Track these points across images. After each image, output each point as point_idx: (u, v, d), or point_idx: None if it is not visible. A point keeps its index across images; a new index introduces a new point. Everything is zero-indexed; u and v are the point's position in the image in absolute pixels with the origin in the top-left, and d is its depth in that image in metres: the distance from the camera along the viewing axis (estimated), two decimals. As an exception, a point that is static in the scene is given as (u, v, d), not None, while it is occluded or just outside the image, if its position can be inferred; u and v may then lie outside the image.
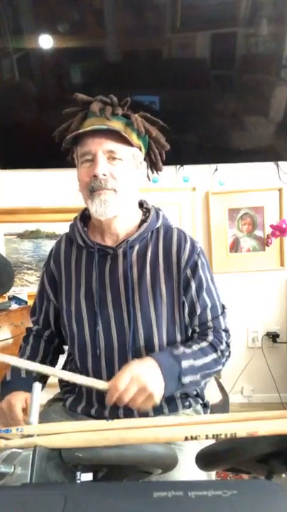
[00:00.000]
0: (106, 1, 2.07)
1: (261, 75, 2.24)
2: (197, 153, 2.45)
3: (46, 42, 2.17)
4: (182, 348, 1.01)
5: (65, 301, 1.13)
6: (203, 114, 2.32)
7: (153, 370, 0.93)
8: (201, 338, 1.07)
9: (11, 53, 2.20)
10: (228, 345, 1.09)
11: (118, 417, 1.01)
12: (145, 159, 1.14)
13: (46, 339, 1.20)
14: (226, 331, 1.11)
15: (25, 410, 0.98)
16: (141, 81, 2.22)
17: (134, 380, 0.88)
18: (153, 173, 1.18)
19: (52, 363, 1.22)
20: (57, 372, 0.94)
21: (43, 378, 1.16)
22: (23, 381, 1.07)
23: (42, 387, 1.15)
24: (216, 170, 2.50)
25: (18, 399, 0.99)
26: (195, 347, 1.03)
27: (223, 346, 1.06)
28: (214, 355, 1.04)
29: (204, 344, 1.05)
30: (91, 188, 1.03)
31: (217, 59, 2.21)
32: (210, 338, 1.06)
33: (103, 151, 1.02)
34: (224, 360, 1.07)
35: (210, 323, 1.08)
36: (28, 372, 1.10)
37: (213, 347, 1.05)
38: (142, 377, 0.89)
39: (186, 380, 0.97)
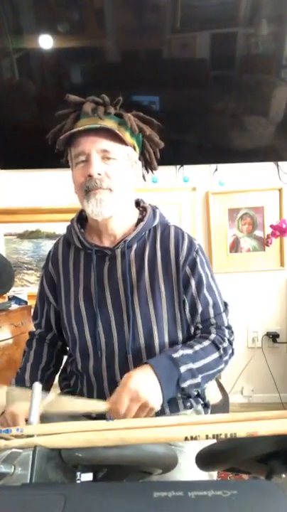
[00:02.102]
0: (106, 1, 2.07)
1: (261, 75, 2.24)
2: (197, 153, 2.45)
3: (46, 42, 2.17)
4: (181, 351, 0.99)
5: (65, 304, 1.13)
6: (203, 114, 2.32)
7: (150, 380, 0.91)
8: (203, 337, 1.06)
9: (11, 53, 2.20)
10: (231, 342, 1.08)
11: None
12: (139, 159, 1.13)
13: (49, 342, 1.20)
14: (229, 327, 1.10)
15: (27, 420, 0.98)
16: (140, 81, 2.22)
17: (134, 399, 0.87)
18: (147, 172, 1.18)
19: (56, 366, 1.22)
20: (57, 402, 0.91)
21: (48, 383, 1.16)
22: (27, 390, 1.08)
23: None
24: (216, 170, 2.50)
25: (20, 409, 0.98)
26: (197, 347, 1.02)
27: (225, 344, 1.05)
28: (216, 355, 1.03)
29: (206, 343, 1.03)
30: (87, 188, 1.03)
31: (217, 59, 2.21)
32: (212, 336, 1.05)
33: (97, 150, 1.02)
34: (226, 358, 1.06)
35: (213, 320, 1.08)
36: (32, 379, 1.10)
37: (215, 345, 1.03)
38: (140, 394, 0.87)
39: (185, 384, 0.96)
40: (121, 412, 0.86)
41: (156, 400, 0.90)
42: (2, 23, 2.11)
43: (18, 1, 2.07)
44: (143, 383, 0.89)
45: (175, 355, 0.97)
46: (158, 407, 0.91)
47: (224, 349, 1.05)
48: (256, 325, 2.59)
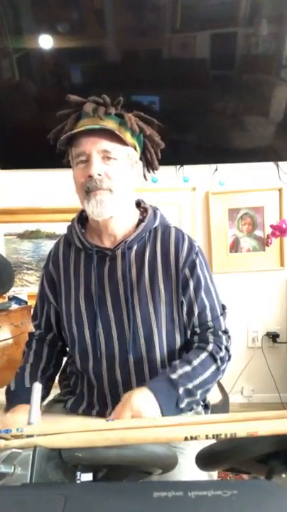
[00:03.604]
0: (106, 1, 2.07)
1: (261, 75, 2.24)
2: (197, 153, 2.45)
3: (46, 42, 2.17)
4: (179, 370, 0.98)
5: (65, 304, 1.12)
6: (203, 114, 2.32)
7: (150, 403, 0.91)
8: (201, 348, 1.05)
9: (11, 53, 2.20)
10: (227, 349, 1.08)
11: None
12: (140, 158, 1.13)
13: (49, 343, 1.20)
14: (226, 332, 1.10)
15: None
16: (141, 81, 2.22)
17: (135, 417, 0.87)
18: (149, 172, 1.18)
19: (56, 366, 1.21)
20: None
21: (48, 383, 1.16)
22: (27, 391, 1.07)
23: (48, 394, 1.15)
24: (216, 170, 2.50)
25: (21, 411, 0.98)
26: (195, 362, 1.01)
27: (223, 353, 1.05)
28: (213, 367, 1.03)
29: (203, 355, 1.02)
30: (87, 189, 1.03)
31: (217, 59, 2.21)
32: (210, 346, 1.04)
33: (97, 150, 1.02)
34: (224, 366, 1.06)
35: (210, 323, 1.08)
36: (32, 379, 1.10)
37: (213, 357, 1.03)
38: (142, 414, 0.88)
39: (183, 404, 0.96)
40: None
41: None
42: (2, 23, 2.11)
43: (18, 1, 2.07)
44: (144, 403, 0.89)
45: (173, 377, 0.97)
46: None
47: (221, 359, 1.04)
48: (256, 325, 2.59)
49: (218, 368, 1.04)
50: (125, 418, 0.86)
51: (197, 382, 0.99)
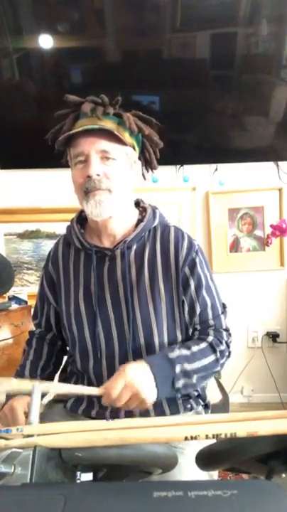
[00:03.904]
0: (106, 1, 2.06)
1: (261, 75, 2.24)
2: (197, 153, 2.45)
3: (46, 42, 2.16)
4: (178, 351, 1.00)
5: (65, 304, 1.13)
6: (203, 114, 2.32)
7: (146, 375, 0.92)
8: (201, 338, 1.06)
9: (11, 53, 2.20)
10: (228, 345, 1.08)
11: (119, 418, 1.01)
12: (139, 158, 1.13)
13: (49, 342, 1.21)
14: (226, 330, 1.10)
15: (26, 414, 0.98)
16: (140, 81, 2.22)
17: (128, 387, 0.89)
18: (147, 171, 1.18)
19: (56, 365, 1.22)
20: (54, 387, 0.92)
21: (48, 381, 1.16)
22: None
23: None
24: (216, 170, 2.50)
25: (19, 402, 0.99)
26: (194, 348, 1.02)
27: (223, 347, 1.06)
28: (212, 357, 1.03)
29: (203, 345, 1.04)
30: (86, 189, 1.03)
31: (217, 59, 2.21)
32: (210, 338, 1.05)
33: (96, 151, 1.02)
34: (223, 360, 1.07)
35: (211, 322, 1.08)
36: (32, 377, 1.10)
37: (212, 348, 1.04)
38: (135, 384, 0.89)
39: (179, 384, 0.97)
40: (113, 396, 0.88)
41: (149, 394, 0.91)
42: (2, 23, 2.11)
43: (18, 1, 2.07)
44: (139, 375, 0.91)
45: (171, 356, 0.98)
46: (150, 401, 0.92)
47: (221, 352, 1.05)
48: (256, 325, 2.59)
49: (217, 360, 1.04)
50: (118, 388, 0.88)
51: (194, 366, 1.00)
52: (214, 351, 1.04)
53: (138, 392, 0.89)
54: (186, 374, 0.98)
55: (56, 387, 0.92)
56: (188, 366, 0.99)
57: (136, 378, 0.90)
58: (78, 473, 0.62)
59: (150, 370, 0.93)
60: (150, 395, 0.91)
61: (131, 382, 0.89)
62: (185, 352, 1.00)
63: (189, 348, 1.02)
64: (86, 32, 2.16)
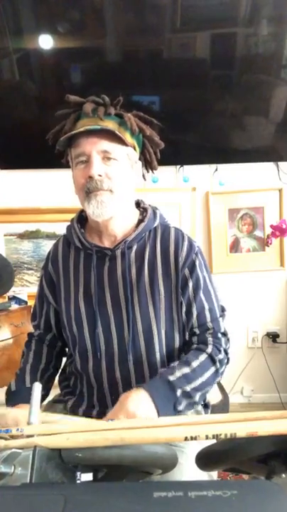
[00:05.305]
0: (106, 1, 2.06)
1: (261, 75, 2.24)
2: (197, 153, 2.45)
3: (46, 42, 2.16)
4: (178, 372, 0.97)
5: (64, 304, 1.12)
6: (203, 114, 2.32)
7: (146, 405, 0.90)
8: (200, 349, 1.04)
9: (11, 53, 2.20)
10: (226, 352, 1.08)
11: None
12: (140, 158, 1.13)
13: (48, 343, 1.20)
14: (225, 334, 1.10)
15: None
16: (141, 81, 2.22)
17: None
18: (148, 172, 1.18)
19: (56, 367, 1.21)
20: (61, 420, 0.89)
21: (48, 384, 1.16)
22: (28, 391, 1.07)
23: (47, 394, 1.15)
24: (216, 170, 2.50)
25: (22, 414, 0.98)
26: (194, 363, 1.00)
27: (222, 355, 1.05)
28: (212, 369, 1.02)
29: (203, 357, 1.02)
30: (87, 190, 1.03)
31: (217, 59, 2.21)
32: (209, 348, 1.03)
33: (97, 151, 1.02)
34: (222, 369, 1.06)
35: (209, 324, 1.07)
36: (33, 381, 1.10)
37: (212, 359, 1.02)
38: (138, 416, 0.87)
39: (181, 407, 0.96)
40: None
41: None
42: (2, 23, 2.11)
43: (18, 1, 2.07)
44: (140, 407, 0.88)
45: (171, 379, 0.96)
46: None
47: (220, 361, 1.04)
48: (256, 325, 2.59)
49: (217, 371, 1.03)
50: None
51: (195, 384, 0.98)
52: (214, 363, 1.03)
53: None
54: (187, 395, 0.97)
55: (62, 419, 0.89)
56: (189, 387, 0.97)
57: (137, 411, 0.88)
58: (78, 473, 0.62)
59: (150, 398, 0.91)
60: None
61: (133, 415, 0.87)
62: (185, 370, 0.98)
63: (189, 364, 1.00)
64: (86, 32, 2.16)
